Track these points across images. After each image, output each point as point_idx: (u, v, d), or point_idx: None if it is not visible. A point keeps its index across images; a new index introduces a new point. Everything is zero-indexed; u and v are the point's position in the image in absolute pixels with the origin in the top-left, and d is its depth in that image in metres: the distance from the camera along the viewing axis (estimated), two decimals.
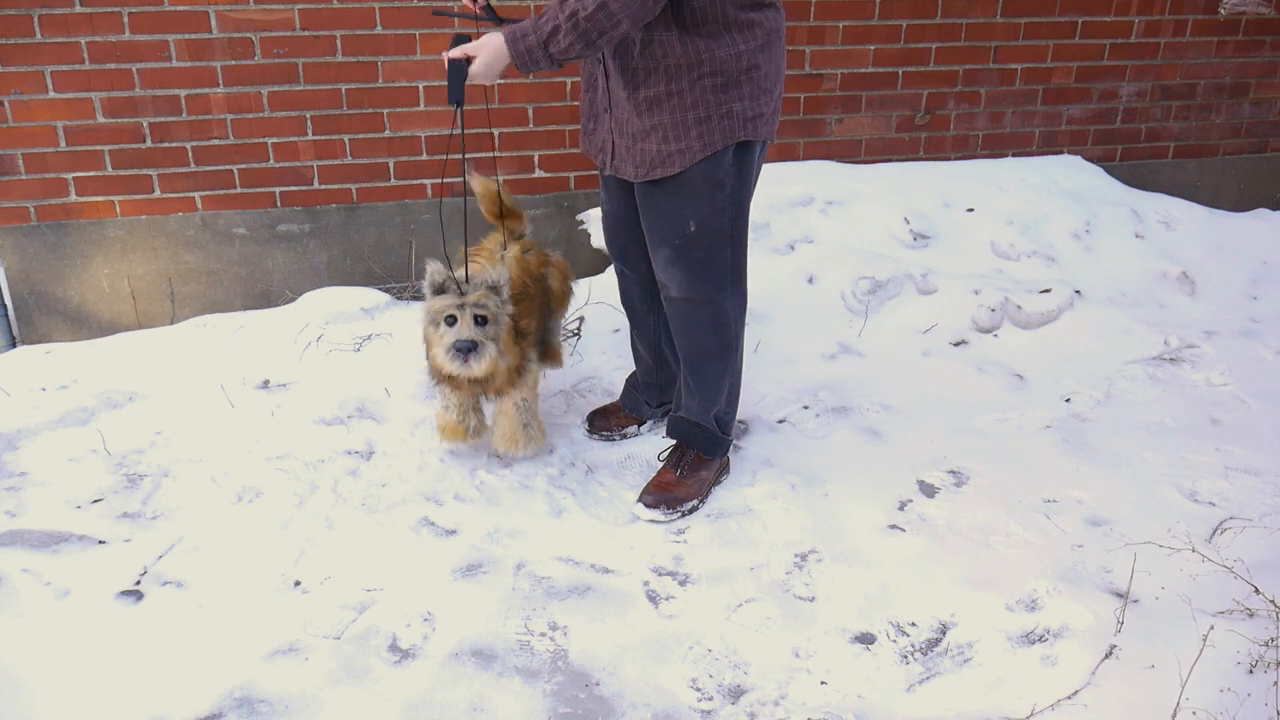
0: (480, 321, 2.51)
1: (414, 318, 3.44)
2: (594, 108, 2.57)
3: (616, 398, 3.14)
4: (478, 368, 2.51)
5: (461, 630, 2.23)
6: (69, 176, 3.52)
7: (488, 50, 2.26)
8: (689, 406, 2.73)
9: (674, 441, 2.80)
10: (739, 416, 3.09)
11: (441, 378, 2.65)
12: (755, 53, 2.35)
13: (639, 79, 2.37)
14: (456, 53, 2.28)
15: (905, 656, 2.18)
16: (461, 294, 2.51)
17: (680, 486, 2.66)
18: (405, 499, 2.69)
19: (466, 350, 2.48)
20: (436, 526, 2.59)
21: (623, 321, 3.59)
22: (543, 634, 2.24)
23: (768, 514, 2.65)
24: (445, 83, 2.36)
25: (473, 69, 2.27)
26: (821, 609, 2.31)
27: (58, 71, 3.39)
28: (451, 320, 2.51)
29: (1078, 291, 3.82)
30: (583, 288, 3.80)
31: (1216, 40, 4.54)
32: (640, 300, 2.86)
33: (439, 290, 2.53)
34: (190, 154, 3.60)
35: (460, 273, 2.55)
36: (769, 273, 3.74)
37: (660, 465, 2.77)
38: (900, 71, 4.23)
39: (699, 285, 2.54)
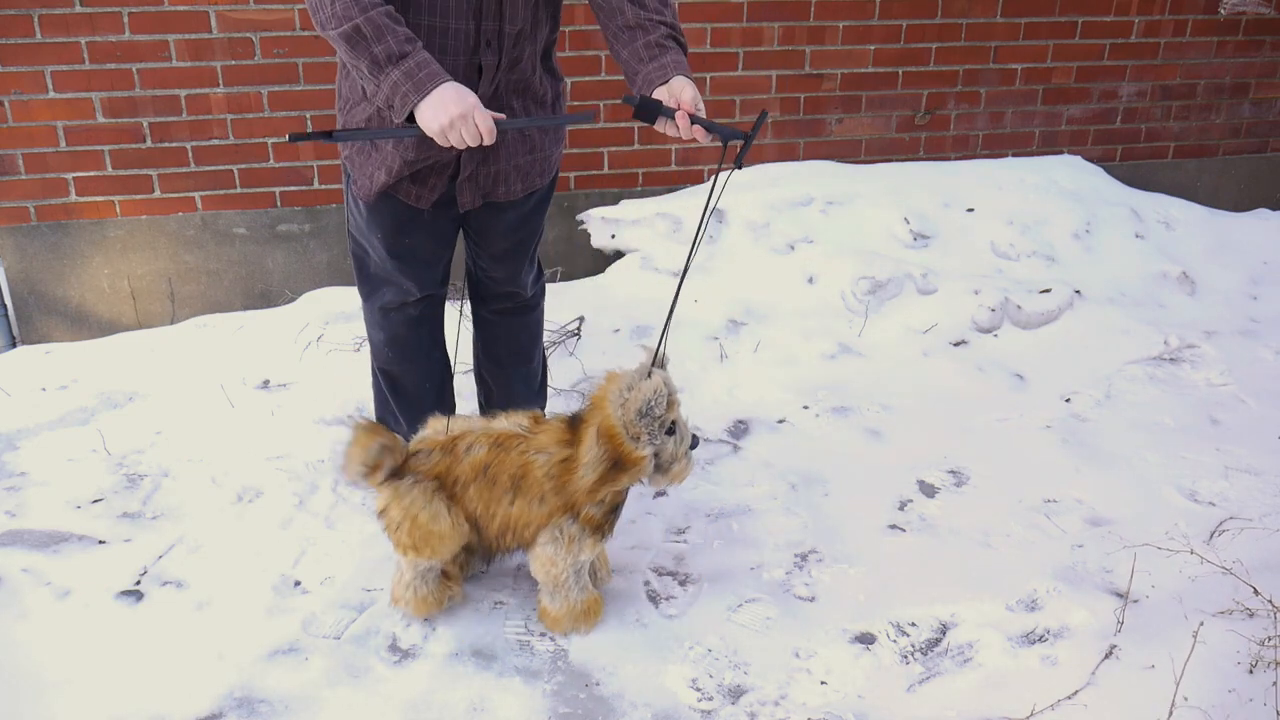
0: None
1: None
2: (482, 149, 2.21)
3: None
4: None
5: (461, 630, 2.23)
6: (69, 176, 3.52)
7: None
8: (530, 400, 2.70)
9: None
10: (739, 417, 3.10)
11: (596, 530, 2.17)
12: None
13: (544, 90, 2.29)
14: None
15: (905, 656, 2.18)
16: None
17: None
18: None
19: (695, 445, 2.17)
20: None
21: (623, 320, 3.58)
22: (543, 634, 2.24)
23: (768, 514, 2.65)
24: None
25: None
26: (821, 609, 2.31)
27: (58, 71, 3.39)
28: (671, 429, 2.11)
29: (1078, 291, 3.82)
30: (584, 287, 3.80)
31: (1216, 40, 4.54)
32: (439, 342, 2.60)
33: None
34: (190, 154, 3.61)
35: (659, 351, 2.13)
36: (769, 273, 3.74)
37: None
38: (900, 71, 4.23)
39: (540, 279, 2.67)
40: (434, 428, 2.21)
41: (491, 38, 2.10)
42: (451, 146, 1.98)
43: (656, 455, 2.08)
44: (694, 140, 2.03)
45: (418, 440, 2.19)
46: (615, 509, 2.18)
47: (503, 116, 1.99)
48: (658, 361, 2.08)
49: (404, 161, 2.19)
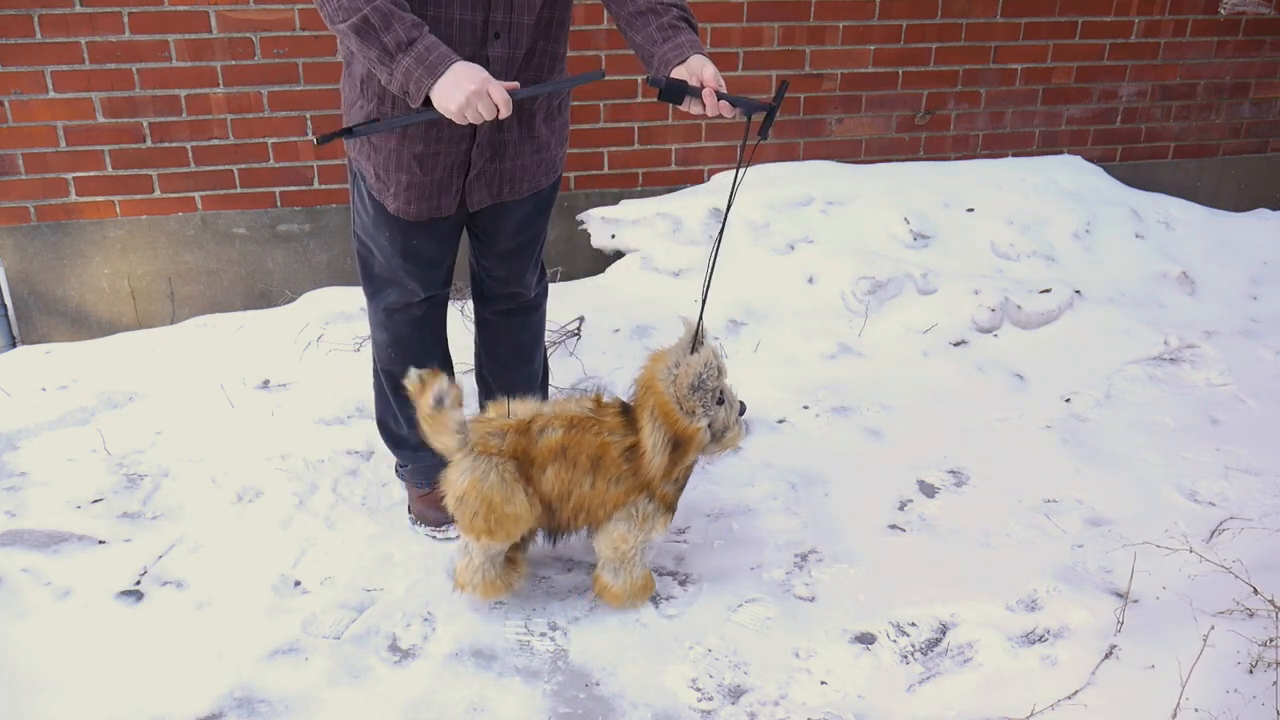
0: None
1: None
2: (492, 146, 2.24)
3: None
4: None
5: (461, 630, 2.23)
6: (69, 176, 3.52)
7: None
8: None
9: None
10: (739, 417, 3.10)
11: (670, 509, 2.24)
12: None
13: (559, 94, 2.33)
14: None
15: (905, 656, 2.18)
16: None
17: None
18: (405, 498, 2.69)
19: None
20: None
21: (623, 320, 3.59)
22: (543, 634, 2.24)
23: (768, 514, 2.65)
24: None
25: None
26: (821, 609, 2.31)
27: (58, 71, 3.39)
28: (720, 398, 2.17)
29: (1078, 291, 3.82)
30: (584, 287, 3.80)
31: (1216, 40, 4.54)
32: (442, 342, 2.61)
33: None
34: (190, 154, 3.61)
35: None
36: (769, 273, 3.75)
37: None
38: (900, 71, 4.23)
39: (543, 280, 2.68)
40: (495, 411, 2.23)
41: (501, 29, 2.10)
42: (463, 128, 2.03)
43: (710, 425, 2.14)
44: (720, 116, 2.06)
45: (485, 422, 2.19)
46: (682, 486, 2.25)
47: (515, 85, 2.01)
48: (699, 334, 2.13)
49: (412, 155, 2.19)
